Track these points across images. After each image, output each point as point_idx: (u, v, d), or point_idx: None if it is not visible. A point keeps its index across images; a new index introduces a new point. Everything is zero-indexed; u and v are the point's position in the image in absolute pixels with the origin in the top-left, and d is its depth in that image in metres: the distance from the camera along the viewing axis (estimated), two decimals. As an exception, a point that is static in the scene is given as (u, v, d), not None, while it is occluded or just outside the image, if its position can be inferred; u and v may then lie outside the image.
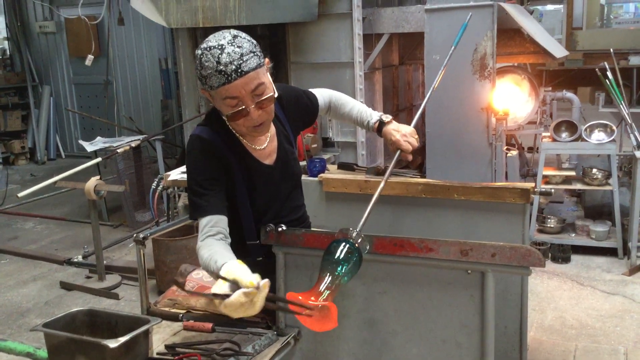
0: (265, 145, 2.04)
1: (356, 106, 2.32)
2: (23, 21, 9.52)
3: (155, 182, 5.24)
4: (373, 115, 2.27)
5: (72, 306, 1.81)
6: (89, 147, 6.18)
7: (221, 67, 1.75)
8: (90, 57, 7.76)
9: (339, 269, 1.69)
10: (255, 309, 1.59)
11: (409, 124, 2.28)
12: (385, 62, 5.60)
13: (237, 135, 1.99)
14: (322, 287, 1.65)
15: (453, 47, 2.55)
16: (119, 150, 5.41)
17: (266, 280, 1.59)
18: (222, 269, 1.67)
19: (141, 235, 2.24)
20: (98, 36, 8.71)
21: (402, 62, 5.99)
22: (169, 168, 5.96)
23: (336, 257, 1.71)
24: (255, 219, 2.05)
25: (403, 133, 2.17)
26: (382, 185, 2.01)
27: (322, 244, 1.91)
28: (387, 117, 2.25)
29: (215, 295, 1.58)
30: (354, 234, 1.78)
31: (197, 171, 1.92)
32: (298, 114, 2.19)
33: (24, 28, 9.52)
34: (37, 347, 2.38)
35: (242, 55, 1.77)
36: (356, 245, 1.75)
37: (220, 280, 1.63)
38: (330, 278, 1.67)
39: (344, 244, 1.74)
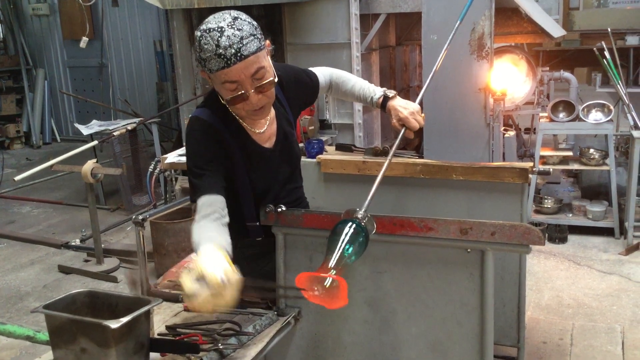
0: (264, 129, 2.02)
1: (358, 83, 2.28)
2: (16, 3, 9.41)
3: (152, 165, 5.23)
4: (377, 91, 2.23)
5: (70, 289, 1.80)
6: (85, 130, 6.15)
7: (220, 51, 1.71)
8: (85, 39, 7.69)
9: (346, 249, 1.68)
10: (226, 302, 1.53)
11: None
12: (382, 42, 5.56)
13: (237, 118, 1.97)
14: (329, 266, 1.64)
15: (459, 22, 2.52)
16: (115, 134, 5.39)
17: (236, 276, 1.54)
18: (194, 258, 1.62)
19: (140, 217, 2.23)
20: (92, 18, 8.62)
21: (399, 43, 5.95)
22: (165, 151, 5.94)
23: (343, 237, 1.70)
24: (254, 201, 2.04)
25: (411, 111, 2.14)
26: (387, 163, 1.99)
27: (322, 224, 1.91)
28: (391, 92, 2.21)
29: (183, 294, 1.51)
30: (360, 214, 1.77)
31: (196, 153, 1.90)
32: (298, 94, 2.17)
33: (16, 10, 9.42)
34: (36, 330, 2.38)
35: (242, 38, 1.73)
36: (362, 224, 1.74)
37: (185, 273, 1.55)
38: (337, 258, 1.66)
39: (350, 224, 1.73)
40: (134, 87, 8.94)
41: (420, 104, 2.24)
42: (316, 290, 1.62)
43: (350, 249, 1.68)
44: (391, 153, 2.06)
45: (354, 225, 1.72)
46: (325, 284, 1.60)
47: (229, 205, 1.87)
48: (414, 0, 4.78)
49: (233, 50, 1.72)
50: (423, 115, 2.18)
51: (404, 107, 2.15)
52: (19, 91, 9.34)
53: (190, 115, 1.98)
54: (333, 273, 1.61)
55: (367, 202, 1.84)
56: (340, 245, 1.68)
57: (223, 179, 1.89)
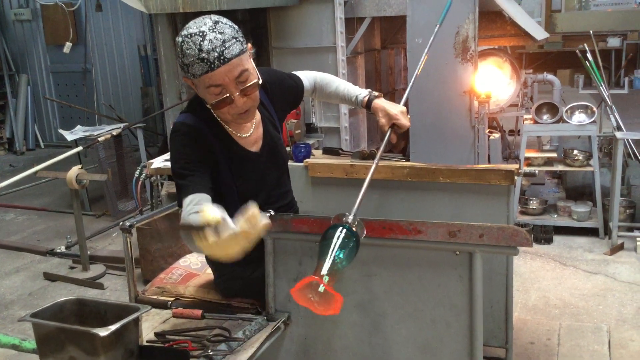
0: (250, 133, 2.02)
1: (342, 84, 2.31)
2: (-3, 9, 9.33)
3: (138, 170, 5.19)
4: (362, 91, 2.26)
5: (56, 297, 1.79)
6: (69, 136, 6.09)
7: (203, 55, 1.72)
8: (69, 44, 7.64)
9: (338, 254, 1.68)
10: (248, 242, 1.54)
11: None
12: (367, 46, 5.59)
13: (222, 123, 1.96)
14: (322, 273, 1.64)
15: (438, 26, 2.54)
16: (99, 139, 5.35)
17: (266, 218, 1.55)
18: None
19: (127, 224, 2.22)
20: (75, 23, 8.56)
21: (384, 46, 5.98)
22: (151, 156, 5.91)
23: (334, 242, 1.70)
24: (242, 207, 2.03)
25: (400, 110, 2.17)
26: (374, 167, 2.00)
27: (311, 229, 1.91)
28: (375, 93, 2.24)
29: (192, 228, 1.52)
30: (350, 219, 1.77)
31: (181, 155, 1.88)
32: (283, 97, 2.17)
33: (-2, 16, 9.33)
34: (22, 339, 2.36)
35: (224, 41, 1.73)
36: (353, 229, 1.75)
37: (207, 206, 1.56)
38: (329, 264, 1.66)
39: (341, 229, 1.73)
40: (118, 92, 8.88)
41: (406, 105, 2.27)
42: (310, 296, 1.61)
43: (342, 255, 1.68)
44: (378, 156, 2.07)
45: (345, 230, 1.72)
46: (319, 289, 1.60)
47: None
48: (399, 3, 4.81)
49: (216, 54, 1.72)
50: (409, 116, 2.19)
51: (392, 107, 2.17)
52: (2, 97, 9.23)
53: (174, 121, 1.96)
54: (326, 280, 1.61)
55: (356, 206, 1.84)
56: (332, 251, 1.68)
57: (210, 180, 1.88)
